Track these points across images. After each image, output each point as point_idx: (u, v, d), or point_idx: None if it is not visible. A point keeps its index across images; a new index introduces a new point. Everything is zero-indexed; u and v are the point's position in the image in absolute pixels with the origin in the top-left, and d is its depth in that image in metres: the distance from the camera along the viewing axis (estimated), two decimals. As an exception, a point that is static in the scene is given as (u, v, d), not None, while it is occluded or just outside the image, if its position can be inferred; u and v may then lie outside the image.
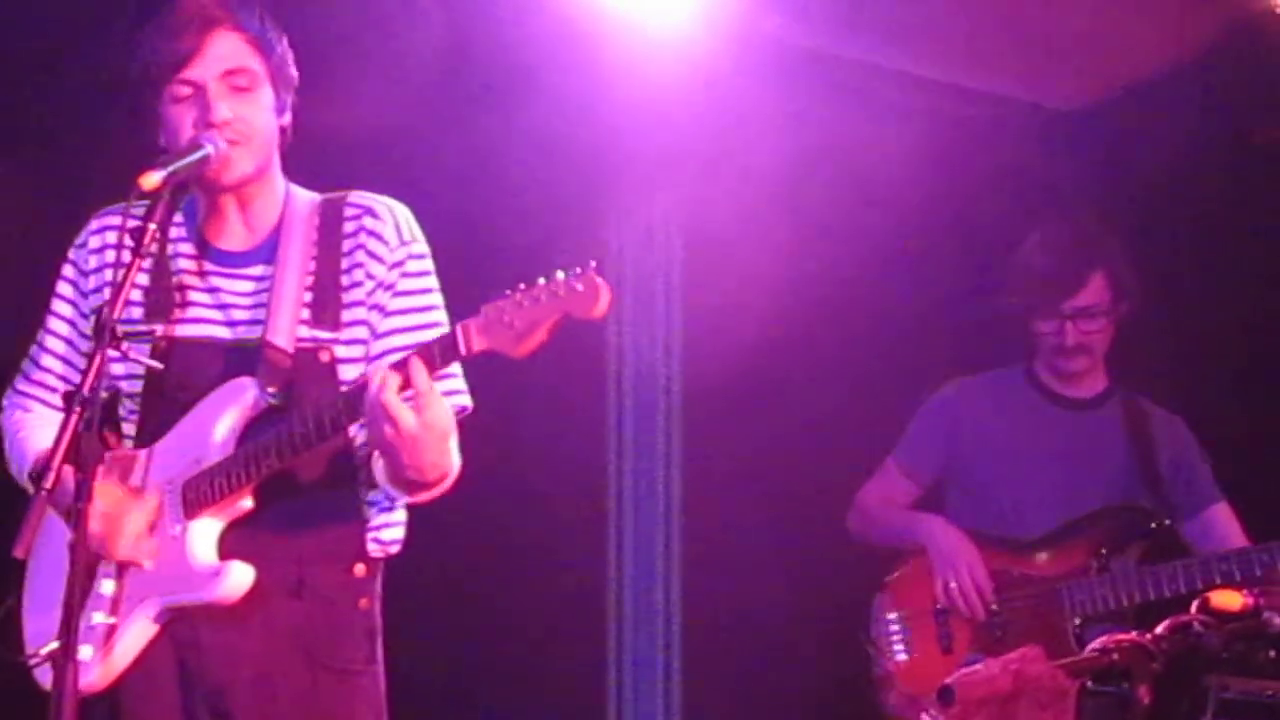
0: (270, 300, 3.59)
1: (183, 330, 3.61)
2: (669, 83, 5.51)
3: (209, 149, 3.48)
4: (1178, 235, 5.94)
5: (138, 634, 3.54)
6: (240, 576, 3.48)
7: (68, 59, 4.95)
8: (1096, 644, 2.98)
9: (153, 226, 3.39)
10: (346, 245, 3.64)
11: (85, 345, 3.66)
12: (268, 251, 3.65)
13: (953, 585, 4.84)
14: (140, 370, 3.57)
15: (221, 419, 3.55)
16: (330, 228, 3.65)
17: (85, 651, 3.44)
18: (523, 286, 3.24)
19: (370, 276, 3.61)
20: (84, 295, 3.71)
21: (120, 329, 3.35)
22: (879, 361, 5.90)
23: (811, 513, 5.64)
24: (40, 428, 3.72)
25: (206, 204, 3.67)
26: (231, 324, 3.63)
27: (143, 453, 3.61)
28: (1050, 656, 3.28)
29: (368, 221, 3.64)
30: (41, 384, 3.76)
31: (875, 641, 4.87)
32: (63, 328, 3.74)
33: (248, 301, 3.63)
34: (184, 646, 3.54)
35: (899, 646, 4.90)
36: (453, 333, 3.31)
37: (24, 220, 4.90)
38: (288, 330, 3.56)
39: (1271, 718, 5.25)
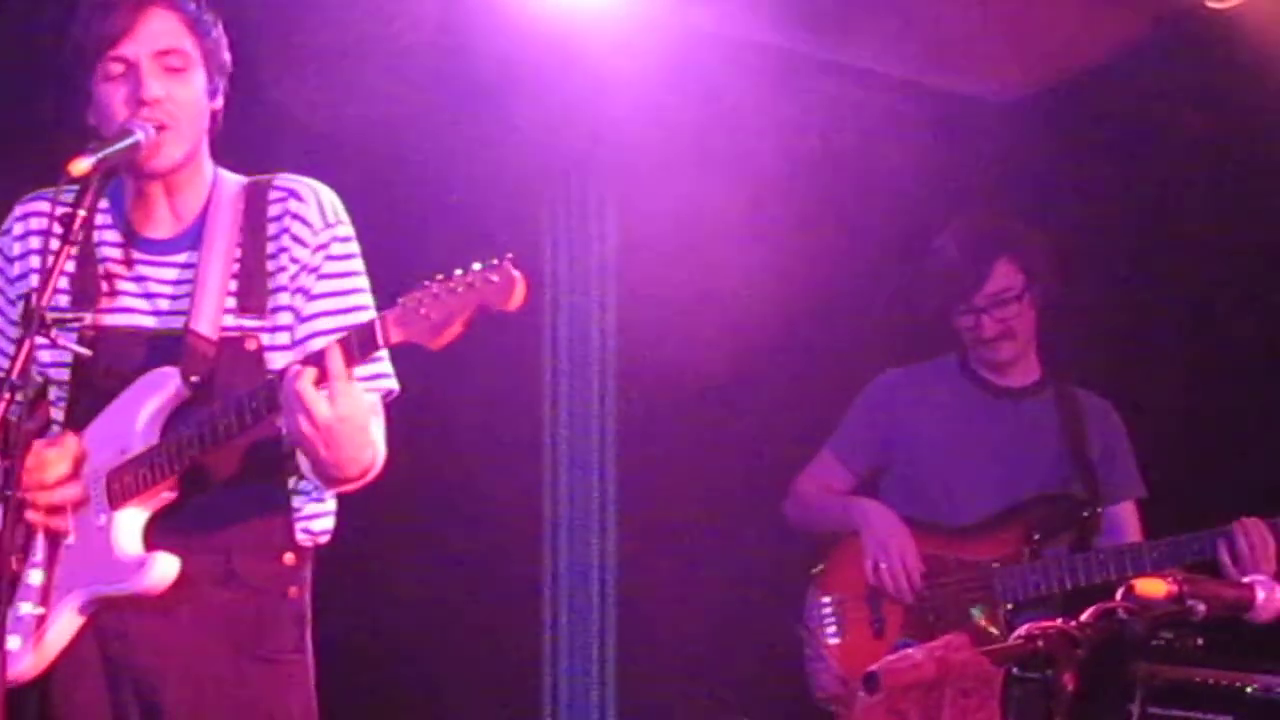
0: (194, 288, 3.57)
1: (110, 319, 3.59)
2: (607, 75, 5.51)
3: (139, 135, 3.45)
4: (1113, 226, 5.98)
5: (66, 624, 3.52)
6: (165, 567, 3.46)
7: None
8: (1021, 631, 3.01)
9: (82, 213, 3.38)
10: (271, 229, 3.61)
11: (13, 332, 3.63)
12: (193, 238, 3.63)
13: (883, 567, 4.87)
14: (68, 358, 3.55)
15: (144, 408, 3.53)
16: (255, 211, 3.62)
17: (14, 642, 3.44)
18: (439, 278, 3.25)
19: (294, 260, 3.59)
20: (10, 282, 3.68)
21: (49, 316, 3.33)
22: (815, 352, 5.93)
23: (748, 503, 5.66)
24: None
25: (134, 189, 3.65)
26: (157, 313, 3.61)
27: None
28: (980, 642, 3.32)
29: (292, 204, 3.62)
30: None
31: (808, 625, 4.89)
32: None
33: (173, 290, 3.61)
34: (112, 637, 3.53)
35: (831, 629, 4.92)
36: (370, 324, 3.31)
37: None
38: (212, 318, 3.54)
39: (1197, 704, 5.32)
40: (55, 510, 3.54)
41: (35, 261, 3.58)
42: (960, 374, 5.16)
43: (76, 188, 3.43)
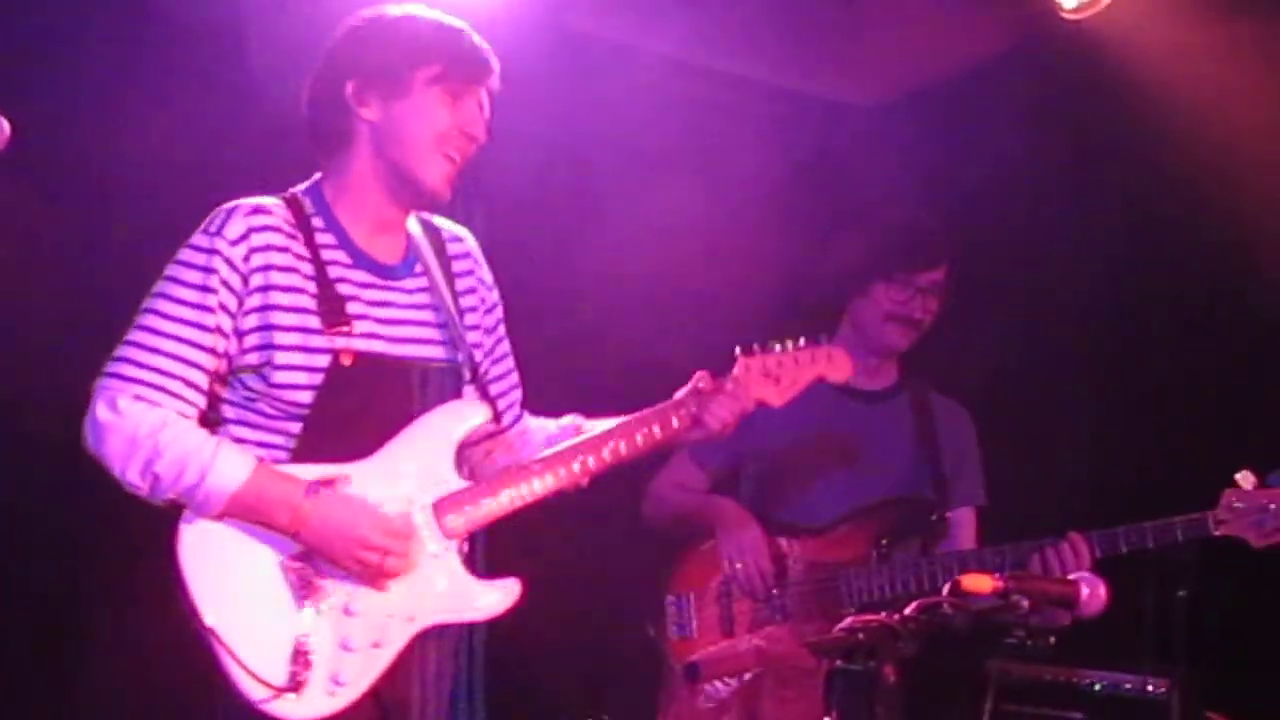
0: (443, 317, 3.75)
1: (361, 344, 3.63)
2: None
3: None
4: (974, 230, 6.06)
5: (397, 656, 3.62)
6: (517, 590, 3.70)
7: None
8: (845, 624, 3.06)
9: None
10: (457, 267, 3.88)
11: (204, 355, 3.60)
12: (411, 265, 3.78)
13: (737, 566, 4.91)
14: (317, 381, 3.58)
15: (453, 439, 3.68)
16: (438, 247, 3.85)
17: (349, 675, 3.55)
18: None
19: (482, 301, 3.93)
20: (233, 292, 3.62)
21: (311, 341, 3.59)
22: (673, 352, 5.94)
23: (606, 506, 5.68)
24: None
25: (370, 212, 3.74)
26: (408, 340, 3.71)
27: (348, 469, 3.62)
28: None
29: (470, 246, 3.94)
30: (181, 396, 3.59)
31: (661, 623, 4.93)
32: (208, 338, 3.61)
33: (413, 316, 3.74)
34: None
35: (683, 626, 4.94)
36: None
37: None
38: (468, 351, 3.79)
39: (1048, 700, 5.42)
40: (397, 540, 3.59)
41: (279, 278, 3.60)
42: (819, 377, 5.21)
43: (277, 200, 3.62)
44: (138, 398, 3.50)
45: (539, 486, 3.70)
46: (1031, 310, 6.21)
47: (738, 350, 4.04)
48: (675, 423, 3.87)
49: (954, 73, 6.29)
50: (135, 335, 3.56)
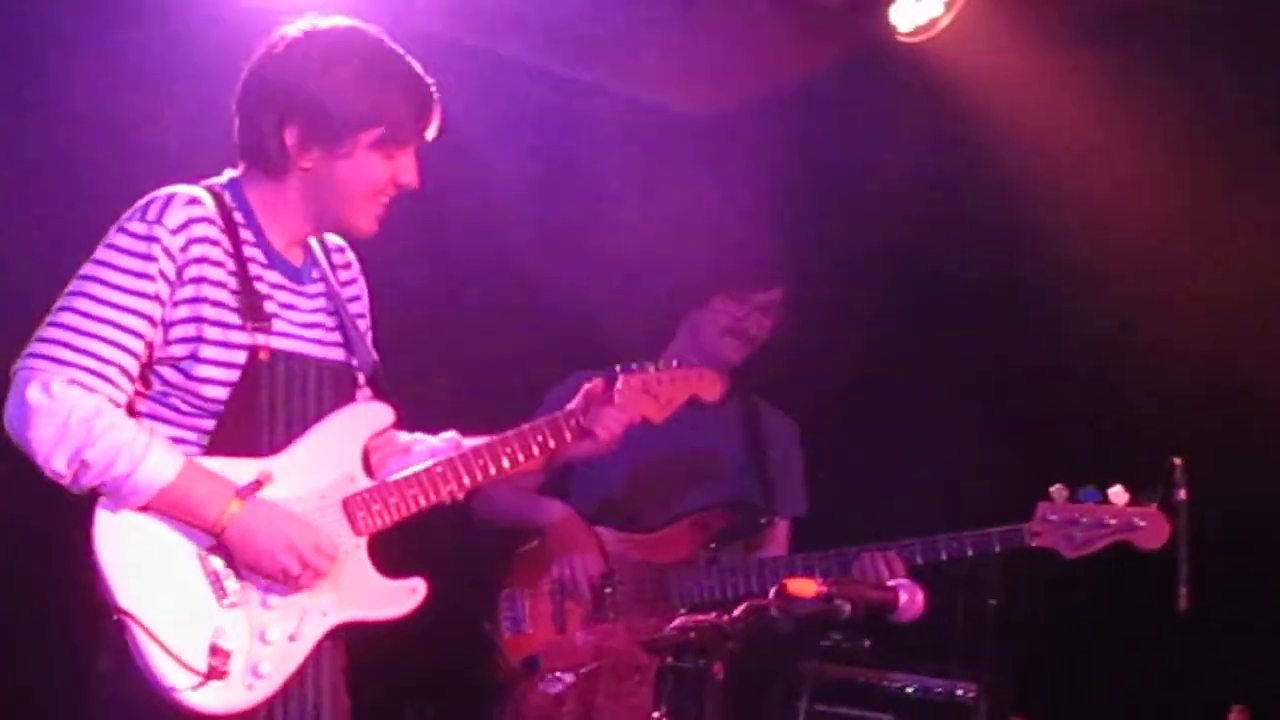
0: (345, 321, 3.80)
1: (278, 342, 3.63)
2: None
3: None
4: (806, 242, 6.17)
5: (309, 649, 3.63)
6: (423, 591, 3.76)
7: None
8: (677, 623, 3.15)
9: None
10: (343, 275, 3.92)
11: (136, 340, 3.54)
12: (311, 268, 3.80)
13: (566, 570, 4.97)
14: (233, 376, 3.56)
15: (359, 439, 3.72)
16: (326, 254, 3.87)
17: (266, 666, 3.55)
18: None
19: (363, 313, 3.96)
20: (168, 281, 3.58)
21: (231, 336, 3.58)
22: (500, 359, 5.99)
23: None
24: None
25: (285, 215, 3.72)
26: (318, 341, 3.73)
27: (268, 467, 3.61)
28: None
29: (351, 258, 3.96)
30: (115, 383, 3.52)
31: (495, 619, 4.97)
32: (144, 326, 3.55)
33: (320, 319, 3.76)
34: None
35: (517, 622, 4.98)
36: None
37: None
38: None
39: (860, 702, 5.54)
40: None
41: (210, 271, 3.58)
42: (649, 380, 5.30)
43: (204, 191, 3.60)
44: (73, 381, 3.42)
45: (444, 490, 3.77)
46: (854, 322, 6.32)
47: (618, 368, 4.14)
48: (567, 434, 3.99)
49: (789, 86, 6.38)
50: (66, 318, 3.48)
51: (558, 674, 4.60)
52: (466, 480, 3.79)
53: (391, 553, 3.65)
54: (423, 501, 3.73)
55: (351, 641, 3.75)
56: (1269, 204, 5.60)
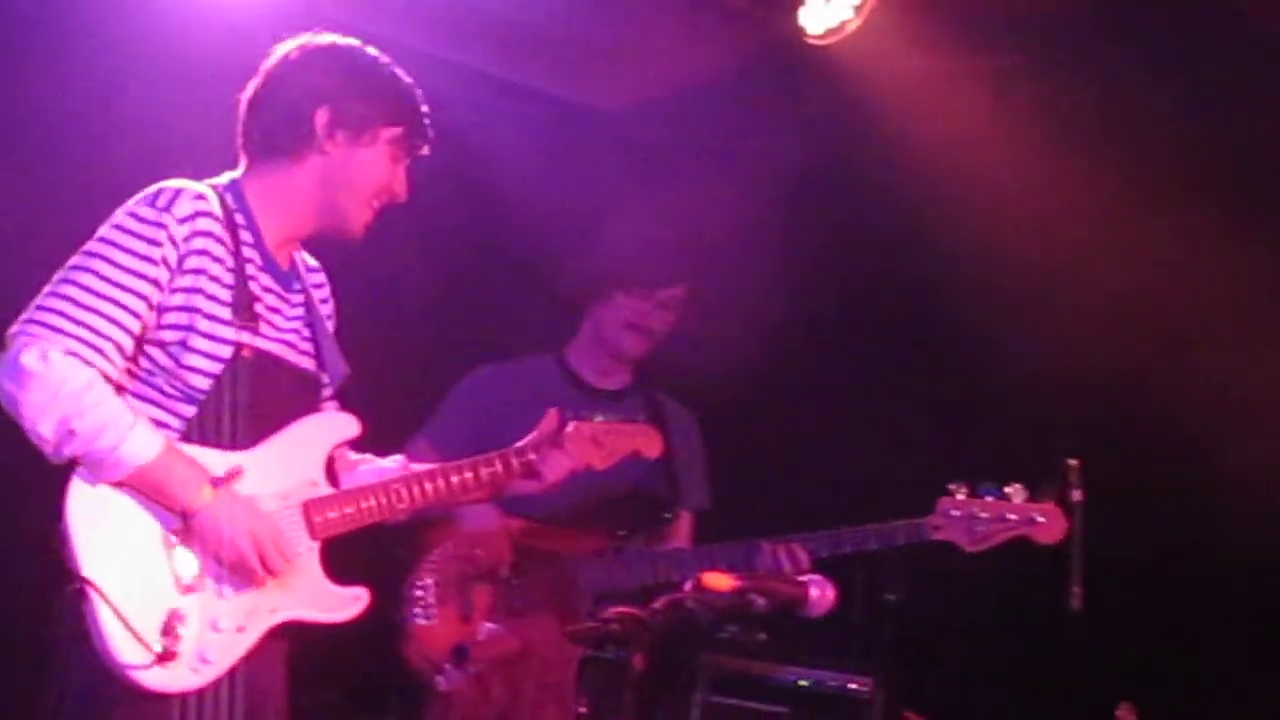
0: (322, 332, 3.89)
1: (263, 343, 3.71)
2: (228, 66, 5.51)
3: None
4: (712, 239, 6.18)
5: (254, 644, 3.67)
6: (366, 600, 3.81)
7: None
8: (600, 615, 3.20)
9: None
10: (318, 294, 3.99)
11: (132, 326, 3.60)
12: (294, 277, 3.88)
13: (480, 561, 4.97)
14: (217, 369, 3.63)
15: (325, 447, 3.81)
16: (302, 271, 3.94)
17: (214, 654, 3.60)
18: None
19: (331, 331, 4.01)
20: (170, 270, 3.64)
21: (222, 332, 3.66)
22: (407, 348, 6.00)
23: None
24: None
25: (283, 220, 3.81)
26: (294, 347, 3.81)
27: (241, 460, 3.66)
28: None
29: (322, 279, 4.03)
30: (109, 358, 3.57)
31: (401, 608, 4.97)
32: (141, 307, 3.61)
33: (298, 326, 3.85)
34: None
35: (422, 611, 4.96)
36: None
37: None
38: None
39: (755, 695, 5.61)
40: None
41: (210, 265, 3.65)
42: (556, 371, 5.33)
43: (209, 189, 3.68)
44: (70, 353, 3.49)
45: (400, 505, 3.88)
46: (757, 316, 6.36)
47: (569, 415, 4.29)
48: (516, 468, 4.12)
49: (699, 85, 6.42)
50: (69, 290, 3.55)
51: (483, 663, 4.62)
52: (420, 499, 3.92)
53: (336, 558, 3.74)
54: (378, 513, 3.84)
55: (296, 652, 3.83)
56: (1160, 203, 5.71)
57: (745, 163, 6.28)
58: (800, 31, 5.83)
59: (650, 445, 4.47)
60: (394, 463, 4.07)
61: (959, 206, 5.95)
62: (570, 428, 4.25)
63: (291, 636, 3.81)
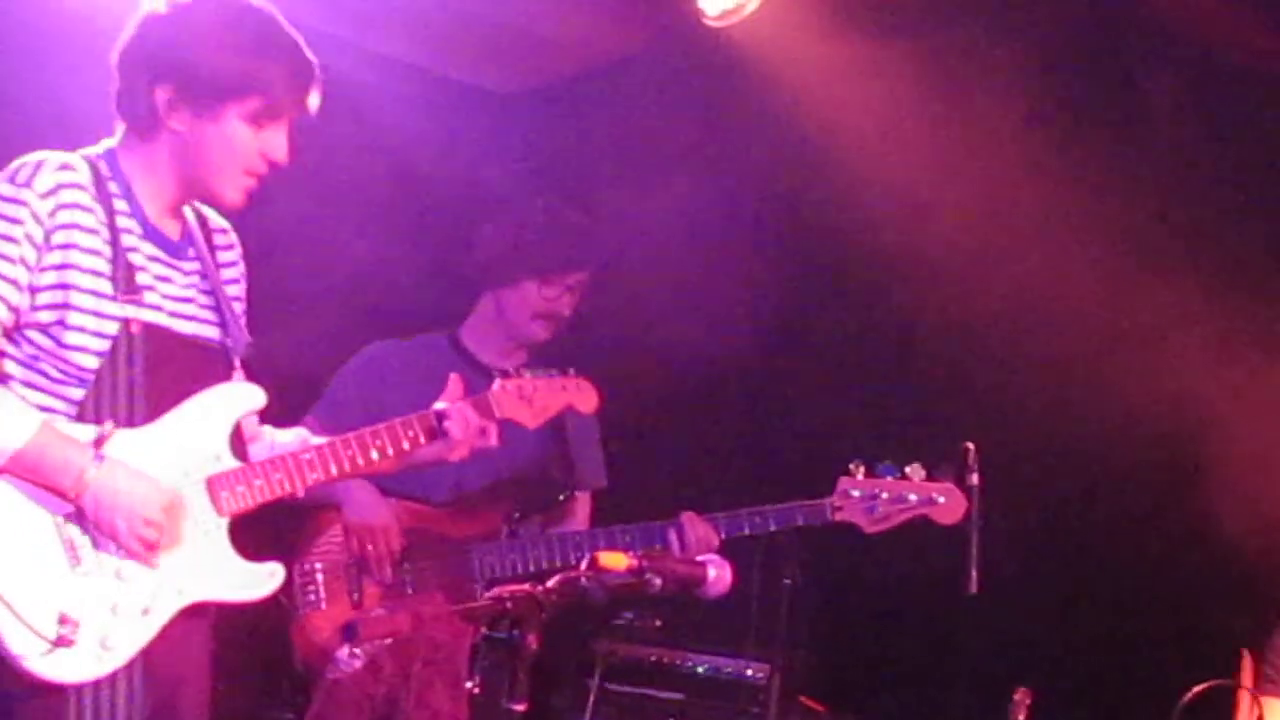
0: (222, 301, 3.73)
1: (150, 316, 3.58)
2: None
3: None
4: (606, 224, 6.18)
5: (163, 624, 3.57)
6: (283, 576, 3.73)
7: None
8: (493, 593, 3.15)
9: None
10: (223, 256, 3.88)
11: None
12: (187, 244, 3.74)
13: (368, 547, 4.92)
14: (105, 346, 3.50)
15: (229, 419, 3.68)
16: (207, 234, 3.83)
17: (119, 636, 3.49)
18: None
19: (240, 295, 3.91)
20: (36, 246, 3.51)
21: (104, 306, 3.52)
22: (303, 330, 5.93)
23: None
24: None
25: (159, 188, 3.67)
26: (190, 318, 3.67)
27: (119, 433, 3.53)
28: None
29: (234, 239, 3.93)
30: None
31: (291, 593, 4.90)
32: (9, 290, 3.49)
33: (192, 295, 3.70)
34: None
35: (311, 598, 4.92)
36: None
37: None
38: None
39: (652, 682, 5.60)
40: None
41: (81, 238, 3.52)
42: (450, 349, 5.28)
43: (79, 159, 3.53)
44: None
45: (310, 477, 3.76)
46: (659, 297, 6.35)
47: (496, 374, 4.21)
48: (427, 426, 3.99)
49: (594, 65, 6.41)
50: None
51: (375, 642, 4.55)
52: (334, 470, 3.80)
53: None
54: (287, 486, 3.72)
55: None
56: (1069, 189, 5.72)
57: (649, 144, 6.25)
58: (699, 13, 5.83)
59: (585, 400, 4.36)
60: (293, 436, 3.99)
61: (862, 188, 5.95)
62: (497, 385, 4.17)
63: (212, 617, 3.72)
